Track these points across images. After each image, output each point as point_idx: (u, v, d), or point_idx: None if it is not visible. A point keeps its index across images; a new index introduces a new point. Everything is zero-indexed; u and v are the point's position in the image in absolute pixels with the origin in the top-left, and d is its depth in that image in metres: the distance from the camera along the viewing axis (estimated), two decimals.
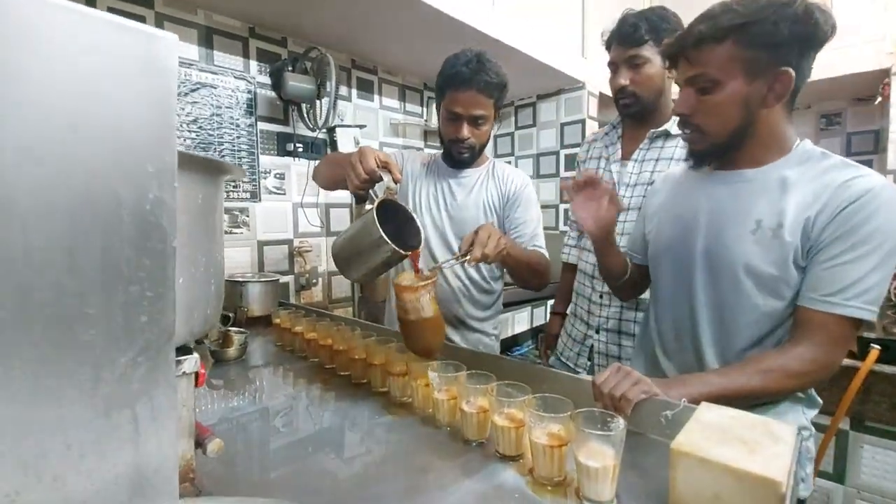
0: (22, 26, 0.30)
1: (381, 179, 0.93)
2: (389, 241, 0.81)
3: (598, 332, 1.27)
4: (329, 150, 2.02)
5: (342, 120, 2.09)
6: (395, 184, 0.93)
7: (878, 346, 1.24)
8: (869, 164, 2.28)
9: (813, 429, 0.83)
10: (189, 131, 1.62)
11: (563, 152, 2.62)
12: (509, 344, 2.44)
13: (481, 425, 0.70)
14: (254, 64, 1.80)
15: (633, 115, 1.20)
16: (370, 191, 0.97)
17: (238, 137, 1.76)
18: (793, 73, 0.72)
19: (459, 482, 0.61)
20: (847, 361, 1.27)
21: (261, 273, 1.75)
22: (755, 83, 0.73)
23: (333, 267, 2.05)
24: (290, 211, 1.95)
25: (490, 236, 0.90)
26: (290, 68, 1.77)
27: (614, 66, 1.17)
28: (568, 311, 1.47)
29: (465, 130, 1.18)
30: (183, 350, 0.47)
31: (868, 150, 2.45)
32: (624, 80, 1.15)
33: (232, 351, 1.13)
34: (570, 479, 0.60)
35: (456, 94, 1.14)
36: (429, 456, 0.69)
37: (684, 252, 0.86)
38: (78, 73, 0.32)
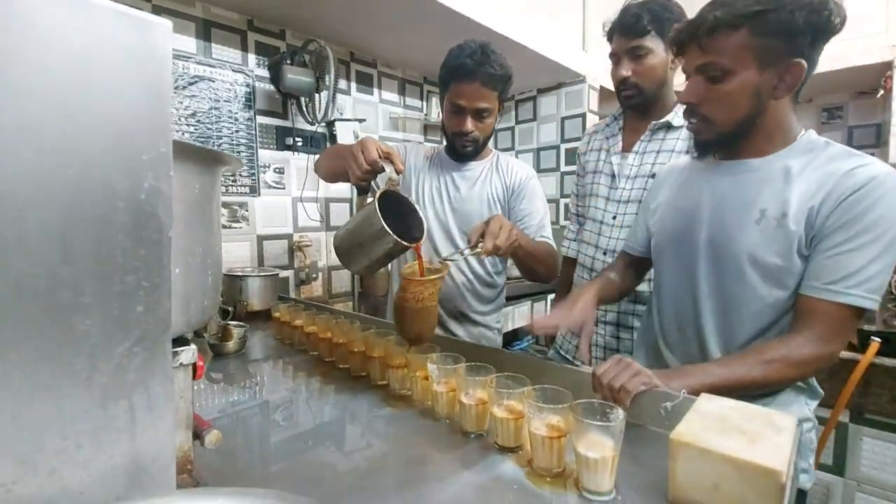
0: (16, 12, 0.29)
1: (383, 170, 0.92)
2: (392, 233, 0.80)
3: (597, 325, 1.26)
4: (328, 145, 2.01)
5: (341, 114, 2.08)
6: (398, 175, 0.91)
7: (878, 339, 1.24)
8: None
9: (815, 420, 0.82)
10: (187, 125, 1.61)
11: (563, 146, 2.61)
12: (510, 338, 2.44)
13: (480, 417, 0.70)
14: (252, 57, 1.79)
15: (635, 106, 1.19)
16: (372, 182, 0.95)
17: (237, 131, 1.75)
18: (805, 64, 0.71)
19: (458, 474, 0.61)
20: (847, 354, 1.27)
21: (260, 267, 1.75)
22: (766, 73, 0.72)
23: (333, 262, 2.07)
24: (290, 205, 1.94)
25: (502, 227, 0.88)
26: (288, 61, 1.76)
27: (616, 57, 1.16)
28: None
29: (469, 124, 1.17)
30: (180, 341, 0.47)
31: (870, 143, 2.44)
32: (626, 72, 1.14)
33: (231, 345, 1.13)
34: (570, 470, 0.59)
35: (460, 87, 1.13)
36: (428, 448, 0.69)
37: (688, 243, 0.85)
38: (72, 59, 0.32)
